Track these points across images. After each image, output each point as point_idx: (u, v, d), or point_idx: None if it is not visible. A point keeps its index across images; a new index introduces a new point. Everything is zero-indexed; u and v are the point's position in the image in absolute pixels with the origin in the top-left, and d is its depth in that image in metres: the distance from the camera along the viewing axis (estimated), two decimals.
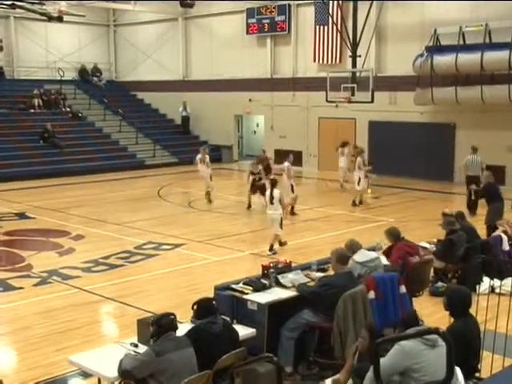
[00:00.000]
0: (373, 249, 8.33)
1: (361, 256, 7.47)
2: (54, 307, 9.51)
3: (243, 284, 7.17)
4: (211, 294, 7.06)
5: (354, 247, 7.60)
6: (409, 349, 4.83)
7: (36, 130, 25.49)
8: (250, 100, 27.09)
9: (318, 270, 7.73)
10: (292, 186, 15.88)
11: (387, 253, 8.64)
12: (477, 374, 5.67)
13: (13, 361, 7.99)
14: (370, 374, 4.64)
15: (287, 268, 7.68)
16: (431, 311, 8.39)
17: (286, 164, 16.08)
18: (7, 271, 11.51)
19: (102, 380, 5.90)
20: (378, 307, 6.49)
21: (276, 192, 12.26)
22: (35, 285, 10.69)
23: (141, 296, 9.98)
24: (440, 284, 9.68)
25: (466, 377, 5.15)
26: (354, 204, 17.58)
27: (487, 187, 13.61)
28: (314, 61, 24.86)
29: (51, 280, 10.94)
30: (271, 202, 12.23)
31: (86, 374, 6.63)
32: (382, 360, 4.51)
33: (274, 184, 12.46)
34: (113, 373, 5.54)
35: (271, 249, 12.34)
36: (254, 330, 6.58)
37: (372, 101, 20.20)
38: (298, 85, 25.68)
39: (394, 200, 18.84)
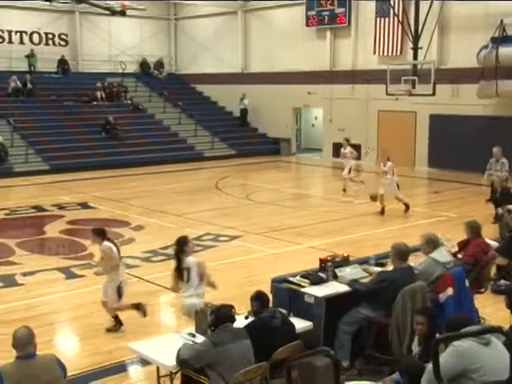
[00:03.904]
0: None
1: (441, 255, 7.10)
2: None
3: (300, 277, 7.14)
4: (268, 287, 7.07)
5: (434, 242, 7.19)
6: (464, 349, 4.68)
7: (98, 122, 26.07)
8: (308, 93, 26.95)
9: (377, 265, 7.63)
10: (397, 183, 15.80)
11: (462, 245, 8.43)
12: None
13: (75, 346, 8.22)
14: (426, 376, 4.55)
15: (345, 262, 7.60)
16: (493, 309, 8.19)
17: (390, 163, 15.76)
18: (70, 259, 11.83)
19: (160, 368, 6.00)
20: (454, 304, 6.35)
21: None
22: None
23: None
24: (503, 282, 9.43)
25: None
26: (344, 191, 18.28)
27: None
28: (374, 53, 24.53)
29: None
30: None
31: (144, 362, 6.75)
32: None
33: None
34: (171, 362, 5.62)
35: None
36: (310, 324, 6.57)
37: (433, 94, 19.77)
38: (357, 77, 25.39)
39: (454, 195, 18.44)
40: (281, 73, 27.80)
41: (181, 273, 7.24)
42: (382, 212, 15.48)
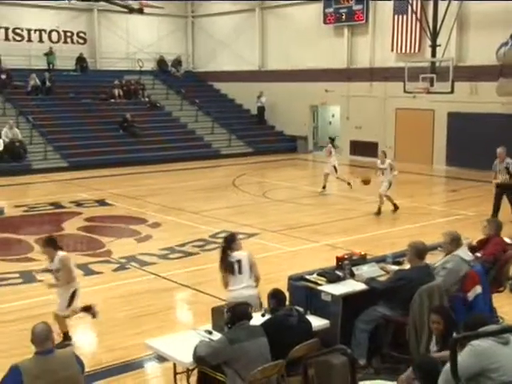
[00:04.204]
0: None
1: (465, 254, 7.08)
2: (131, 292, 9.78)
3: (317, 275, 7.14)
4: (285, 285, 7.08)
5: (458, 240, 7.13)
6: (482, 349, 4.65)
7: (116, 120, 26.19)
8: (326, 90, 26.87)
9: (394, 263, 7.60)
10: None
11: (481, 244, 8.38)
12: None
13: (93, 342, 8.28)
14: (444, 376, 4.52)
15: (362, 260, 7.59)
16: (511, 309, 8.13)
17: (389, 161, 15.45)
18: (88, 256, 11.91)
19: (177, 365, 6.02)
20: (482, 302, 6.33)
21: None
22: (114, 270, 11.02)
23: (215, 284, 10.02)
24: None
25: None
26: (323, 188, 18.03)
27: None
28: (392, 50, 24.39)
29: (129, 266, 11.25)
30: None
31: (161, 358, 6.77)
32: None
33: None
34: (188, 358, 5.64)
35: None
36: (327, 322, 6.56)
37: (452, 91, 19.63)
38: (375, 75, 25.27)
39: (472, 193, 18.29)
40: (298, 70, 27.74)
41: (231, 266, 7.26)
42: (378, 211, 15.10)
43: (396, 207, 15.36)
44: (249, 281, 7.28)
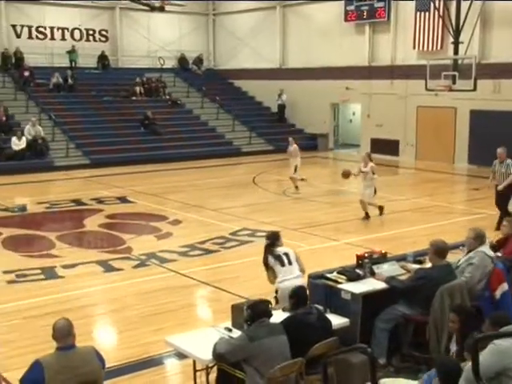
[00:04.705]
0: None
1: (489, 251, 7.03)
2: (151, 289, 9.82)
3: (337, 273, 7.11)
4: (305, 283, 7.07)
5: (482, 238, 7.09)
6: (505, 348, 4.63)
7: (137, 117, 26.33)
8: (346, 88, 26.77)
9: (414, 262, 7.55)
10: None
11: (501, 243, 8.30)
12: None
13: (113, 339, 8.34)
14: (465, 374, 4.49)
15: (382, 258, 7.55)
16: None
17: (372, 164, 14.44)
18: (109, 253, 11.98)
19: (196, 362, 6.04)
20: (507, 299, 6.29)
21: None
22: (134, 267, 11.07)
23: (235, 282, 10.12)
24: None
25: None
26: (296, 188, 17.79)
27: None
28: (414, 48, 24.21)
29: (149, 263, 11.30)
30: None
31: (181, 355, 6.79)
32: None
33: None
34: (207, 355, 5.65)
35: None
36: (347, 320, 6.53)
37: (474, 89, 19.46)
38: (396, 73, 25.11)
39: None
40: (319, 68, 27.65)
41: (280, 259, 7.48)
42: (367, 217, 14.31)
43: (367, 216, 14.37)
44: (298, 272, 7.47)
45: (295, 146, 18.24)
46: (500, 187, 13.22)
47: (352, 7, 26.29)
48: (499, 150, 13.47)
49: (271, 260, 7.51)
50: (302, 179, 18.32)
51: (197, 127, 27.61)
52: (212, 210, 15.56)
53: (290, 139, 18.42)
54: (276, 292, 7.47)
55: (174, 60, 31.96)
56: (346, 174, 14.67)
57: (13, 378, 6.35)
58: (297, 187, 17.88)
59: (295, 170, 17.97)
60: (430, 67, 20.50)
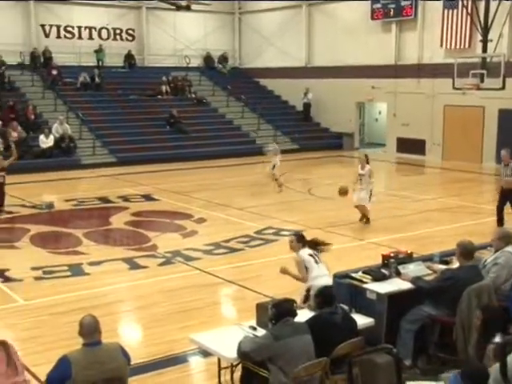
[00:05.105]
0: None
1: None
2: (176, 287, 9.86)
3: (362, 273, 7.07)
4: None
5: (508, 239, 7.02)
6: None
7: (163, 116, 26.46)
8: (372, 87, 26.61)
9: (441, 262, 7.47)
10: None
11: None
12: None
13: (138, 335, 8.40)
14: (493, 374, 4.44)
15: (408, 259, 7.48)
16: None
17: (369, 167, 13.92)
18: (134, 250, 12.06)
19: (221, 360, 6.05)
20: None
21: None
22: (160, 264, 11.13)
23: (259, 280, 10.12)
24: None
25: None
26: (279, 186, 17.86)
27: None
28: (441, 46, 23.98)
29: (174, 260, 11.35)
30: None
31: (205, 353, 6.82)
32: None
33: None
34: (232, 354, 5.66)
35: None
36: (372, 320, 6.49)
37: (503, 87, 19.21)
38: (423, 71, 24.90)
39: None
40: (345, 67, 27.53)
41: (313, 257, 7.56)
42: (366, 220, 13.96)
43: (367, 220, 13.97)
44: (326, 271, 7.52)
45: (275, 145, 18.79)
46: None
47: (378, 5, 26.13)
48: (502, 153, 12.98)
49: (305, 257, 7.51)
50: (277, 179, 18.12)
51: (222, 126, 27.65)
52: (237, 209, 15.58)
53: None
54: (307, 291, 7.39)
55: (200, 59, 32.06)
56: (344, 192, 13.86)
57: (38, 373, 6.42)
58: (280, 186, 17.92)
59: (273, 167, 18.03)
60: (458, 65, 20.28)
